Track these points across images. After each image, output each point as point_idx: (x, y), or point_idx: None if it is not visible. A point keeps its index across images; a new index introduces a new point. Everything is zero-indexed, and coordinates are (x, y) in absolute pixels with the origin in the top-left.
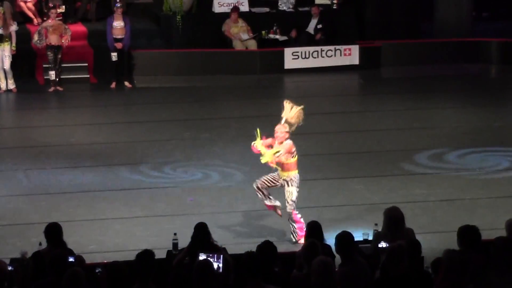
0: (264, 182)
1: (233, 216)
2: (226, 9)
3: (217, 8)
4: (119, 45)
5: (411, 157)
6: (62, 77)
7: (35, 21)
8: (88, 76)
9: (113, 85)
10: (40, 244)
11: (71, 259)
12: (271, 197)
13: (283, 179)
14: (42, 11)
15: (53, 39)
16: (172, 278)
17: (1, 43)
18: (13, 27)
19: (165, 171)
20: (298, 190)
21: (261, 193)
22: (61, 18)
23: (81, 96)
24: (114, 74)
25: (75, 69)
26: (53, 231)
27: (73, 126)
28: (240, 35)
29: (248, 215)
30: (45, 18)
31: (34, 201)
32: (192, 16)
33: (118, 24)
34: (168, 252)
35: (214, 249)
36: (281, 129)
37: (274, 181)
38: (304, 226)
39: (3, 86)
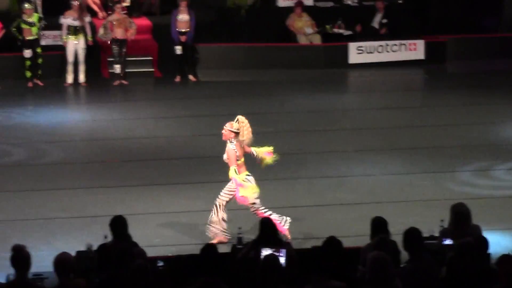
0: (222, 198)
1: (297, 211)
2: (290, 3)
3: (281, 2)
4: (183, 39)
5: (476, 152)
6: (127, 70)
7: (100, 15)
8: (153, 70)
9: (178, 78)
10: (105, 237)
11: None
12: (224, 224)
13: None
14: (107, 5)
15: (118, 33)
16: (237, 272)
17: (76, 35)
18: (88, 19)
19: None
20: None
21: (216, 214)
22: (126, 12)
23: (145, 89)
24: (178, 68)
25: (139, 63)
26: (118, 224)
27: (137, 120)
28: (304, 29)
29: (312, 210)
30: (110, 12)
31: (98, 194)
32: (256, 10)
33: (182, 17)
34: (233, 246)
35: (279, 243)
36: (227, 126)
37: (232, 190)
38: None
39: (70, 80)
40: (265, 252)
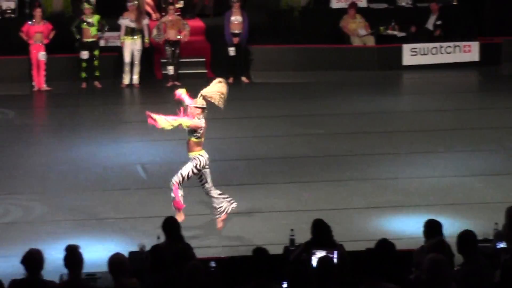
0: (206, 185)
1: (349, 213)
2: (343, 5)
3: (334, 4)
4: (236, 40)
5: None
6: (180, 72)
7: (154, 16)
8: (206, 71)
9: (230, 80)
10: (158, 237)
11: None
12: (223, 197)
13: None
14: (160, 6)
15: (172, 34)
16: (290, 273)
17: (133, 36)
18: (146, 21)
19: (282, 168)
20: (195, 170)
21: (215, 198)
22: (179, 13)
23: (198, 91)
24: (231, 69)
25: (192, 64)
26: (171, 225)
27: None
28: (358, 31)
29: (365, 212)
30: (163, 13)
31: (151, 194)
32: (309, 12)
33: (236, 19)
34: (285, 247)
35: (332, 245)
36: (192, 104)
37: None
38: (178, 201)
39: (126, 81)
40: (318, 254)
